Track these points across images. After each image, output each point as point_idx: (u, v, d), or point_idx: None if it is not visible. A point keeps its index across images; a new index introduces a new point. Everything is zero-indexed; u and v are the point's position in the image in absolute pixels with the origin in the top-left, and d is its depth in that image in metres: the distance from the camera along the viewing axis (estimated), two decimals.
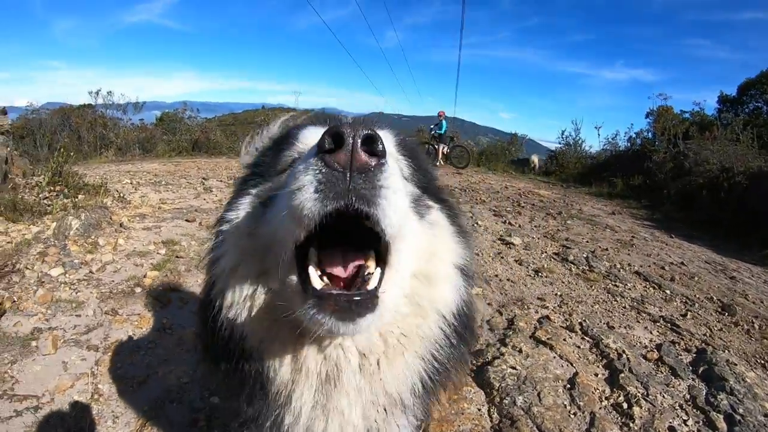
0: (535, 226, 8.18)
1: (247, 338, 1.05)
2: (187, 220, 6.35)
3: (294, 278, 0.94)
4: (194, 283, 4.37)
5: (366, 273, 0.91)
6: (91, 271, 4.41)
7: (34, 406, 2.67)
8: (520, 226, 8.04)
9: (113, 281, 4.27)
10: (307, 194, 0.79)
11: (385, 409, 1.06)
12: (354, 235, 0.93)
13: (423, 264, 1.06)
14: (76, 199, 6.15)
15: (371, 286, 0.88)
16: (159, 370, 3.10)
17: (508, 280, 5.24)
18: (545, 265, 5.84)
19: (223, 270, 1.05)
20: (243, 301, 1.03)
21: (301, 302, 0.88)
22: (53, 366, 3.05)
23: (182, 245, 5.33)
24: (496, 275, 5.36)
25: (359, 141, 0.77)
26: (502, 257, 6.09)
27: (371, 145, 0.78)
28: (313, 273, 0.88)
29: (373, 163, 0.79)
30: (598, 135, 18.33)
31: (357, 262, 0.95)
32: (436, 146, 16.92)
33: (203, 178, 9.88)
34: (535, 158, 19.29)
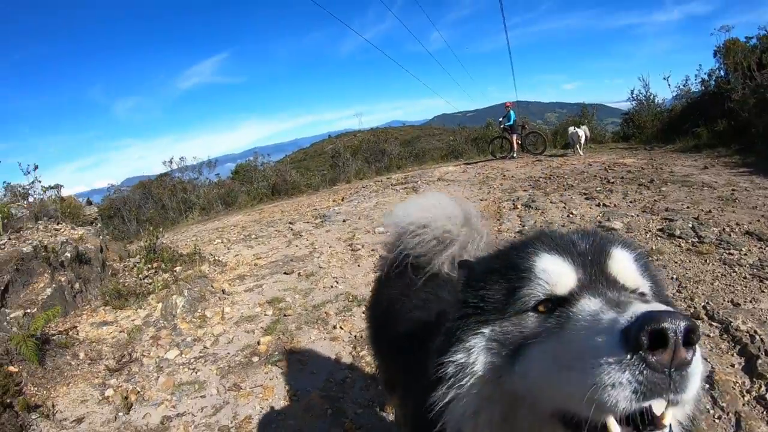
0: (631, 202, 7.96)
1: None
2: (285, 273, 6.31)
3: None
4: (307, 341, 4.36)
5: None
6: (205, 347, 4.38)
7: None
8: (615, 205, 7.89)
9: (229, 353, 4.23)
10: (622, 393, 0.73)
11: None
12: None
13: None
14: (175, 272, 6.24)
15: (667, 421, 0.80)
16: None
17: None
18: (653, 247, 5.74)
19: (461, 415, 1.01)
20: None
21: None
22: None
23: (287, 301, 5.35)
24: None
25: (681, 338, 0.71)
26: None
27: (690, 335, 0.73)
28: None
29: (690, 356, 0.74)
30: (669, 85, 16.77)
31: None
32: (509, 138, 17.07)
33: (290, 223, 9.94)
34: (580, 132, 15.38)
